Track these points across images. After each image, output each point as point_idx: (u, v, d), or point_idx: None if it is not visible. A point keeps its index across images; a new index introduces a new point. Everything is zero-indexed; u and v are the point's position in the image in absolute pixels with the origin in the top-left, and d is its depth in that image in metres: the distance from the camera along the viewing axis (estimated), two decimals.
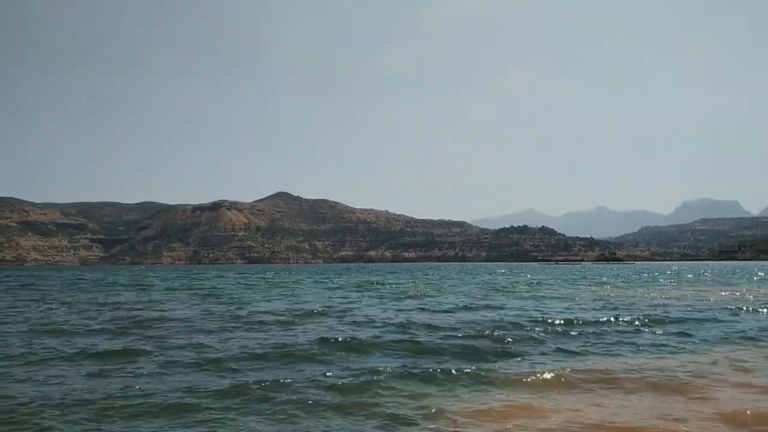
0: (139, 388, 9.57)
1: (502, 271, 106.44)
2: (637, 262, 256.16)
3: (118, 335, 15.87)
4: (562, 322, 17.87)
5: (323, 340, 14.18)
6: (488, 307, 24.16)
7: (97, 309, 24.37)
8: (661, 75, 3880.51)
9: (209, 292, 36.28)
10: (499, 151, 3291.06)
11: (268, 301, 28.89)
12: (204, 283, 54.98)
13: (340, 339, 14.29)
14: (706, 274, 76.78)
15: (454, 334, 15.50)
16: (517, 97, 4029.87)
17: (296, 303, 27.16)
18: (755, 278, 58.35)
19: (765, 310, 21.89)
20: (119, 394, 9.20)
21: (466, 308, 23.43)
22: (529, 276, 71.70)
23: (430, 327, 17.03)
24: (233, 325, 17.88)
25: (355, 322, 18.82)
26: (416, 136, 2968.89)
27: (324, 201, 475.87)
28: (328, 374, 10.60)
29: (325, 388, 9.60)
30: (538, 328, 16.38)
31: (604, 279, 58.91)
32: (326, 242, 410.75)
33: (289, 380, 10.03)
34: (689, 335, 15.51)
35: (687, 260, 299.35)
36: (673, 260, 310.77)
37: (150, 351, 13.06)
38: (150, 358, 12.36)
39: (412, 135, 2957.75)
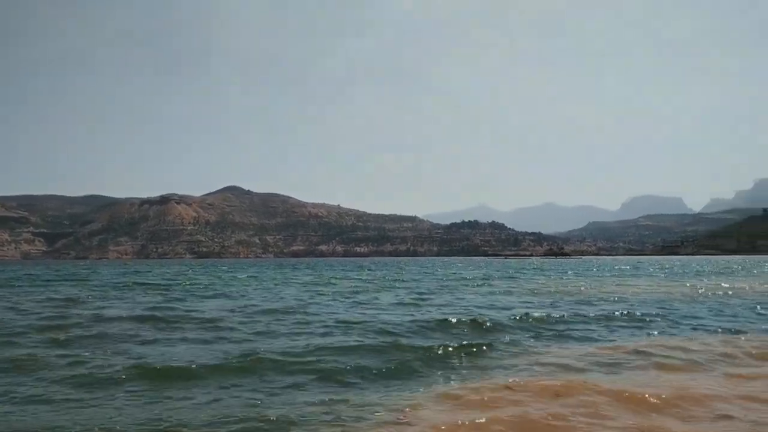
0: None
1: (466, 266, 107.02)
2: (584, 257, 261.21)
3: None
4: (517, 317, 17.69)
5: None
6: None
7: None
8: (608, 72, 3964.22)
9: (154, 288, 35.29)
10: (451, 146, 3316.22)
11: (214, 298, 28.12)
12: (151, 278, 53.65)
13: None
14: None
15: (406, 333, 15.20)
16: (469, 93, 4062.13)
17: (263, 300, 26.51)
18: (691, 273, 60.03)
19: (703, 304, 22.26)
20: None
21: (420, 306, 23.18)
22: (495, 271, 72.26)
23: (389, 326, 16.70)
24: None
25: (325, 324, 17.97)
26: (369, 131, 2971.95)
27: (275, 195, 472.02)
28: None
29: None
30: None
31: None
32: (277, 237, 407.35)
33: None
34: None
35: (632, 255, 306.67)
36: (618, 255, 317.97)
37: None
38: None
39: (364, 130, 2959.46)
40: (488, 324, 15.59)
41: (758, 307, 20.77)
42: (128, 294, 29.43)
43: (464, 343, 12.40)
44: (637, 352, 11.67)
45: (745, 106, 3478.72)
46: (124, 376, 9.36)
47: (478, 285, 37.26)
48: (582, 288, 32.87)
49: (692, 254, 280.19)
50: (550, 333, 14.53)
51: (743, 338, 13.72)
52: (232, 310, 20.17)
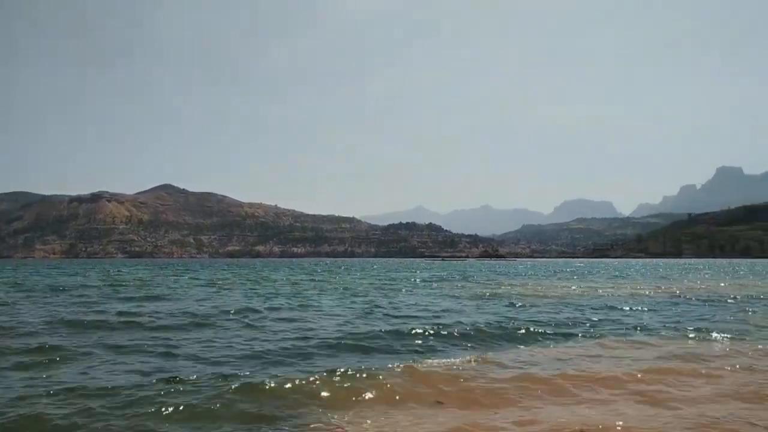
0: None
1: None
2: (518, 259, 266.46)
3: None
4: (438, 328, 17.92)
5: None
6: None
7: None
8: (545, 80, 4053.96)
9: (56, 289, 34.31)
10: (390, 147, 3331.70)
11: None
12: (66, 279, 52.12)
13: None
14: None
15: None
16: (409, 95, 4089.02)
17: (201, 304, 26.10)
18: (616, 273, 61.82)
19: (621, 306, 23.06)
20: None
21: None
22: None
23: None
24: None
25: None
26: (306, 131, 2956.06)
27: (211, 194, 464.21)
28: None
29: None
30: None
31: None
32: (212, 236, 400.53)
33: None
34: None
35: (564, 257, 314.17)
36: (551, 257, 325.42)
37: None
38: None
39: (302, 130, 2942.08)
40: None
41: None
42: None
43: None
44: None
45: (674, 117, 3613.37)
46: None
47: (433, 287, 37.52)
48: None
49: (621, 257, 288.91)
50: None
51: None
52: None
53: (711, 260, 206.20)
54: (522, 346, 12.31)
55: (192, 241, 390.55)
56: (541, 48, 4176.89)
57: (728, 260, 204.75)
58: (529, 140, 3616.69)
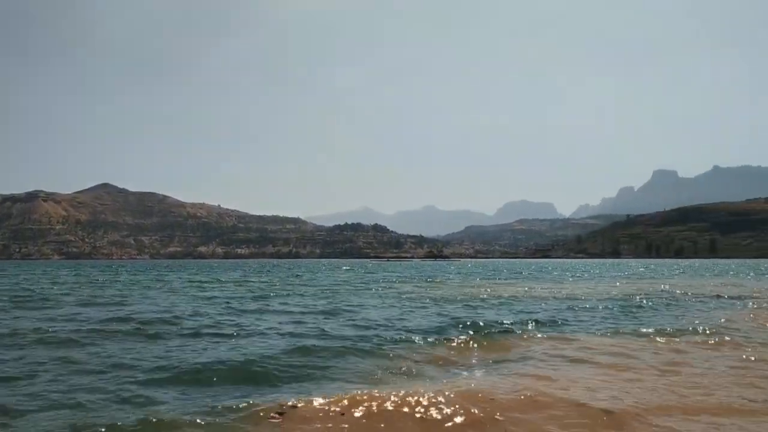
0: None
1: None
2: (461, 259, 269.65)
3: None
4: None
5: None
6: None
7: None
8: (482, 80, 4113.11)
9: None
10: (336, 148, 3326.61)
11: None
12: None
13: None
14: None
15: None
16: (353, 95, 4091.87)
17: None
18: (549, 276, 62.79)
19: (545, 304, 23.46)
20: None
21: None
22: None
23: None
24: None
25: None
26: (251, 130, 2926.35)
27: (152, 194, 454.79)
28: None
29: None
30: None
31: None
32: (153, 237, 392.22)
33: None
34: None
35: (507, 258, 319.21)
36: (495, 258, 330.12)
37: None
38: None
39: (247, 130, 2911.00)
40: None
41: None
42: None
43: None
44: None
45: (612, 122, 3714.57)
46: None
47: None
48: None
49: (562, 257, 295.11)
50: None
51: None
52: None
53: (639, 261, 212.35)
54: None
55: (132, 242, 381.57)
56: (482, 50, 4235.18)
57: (640, 260, 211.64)
58: (473, 142, 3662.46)
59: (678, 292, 30.71)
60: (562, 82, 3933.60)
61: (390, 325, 15.94)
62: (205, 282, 44.49)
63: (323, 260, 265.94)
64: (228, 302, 23.63)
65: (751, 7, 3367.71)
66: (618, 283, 41.02)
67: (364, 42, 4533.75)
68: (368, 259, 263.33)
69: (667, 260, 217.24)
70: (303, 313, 19.46)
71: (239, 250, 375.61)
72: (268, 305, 22.32)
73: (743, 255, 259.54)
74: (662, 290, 32.42)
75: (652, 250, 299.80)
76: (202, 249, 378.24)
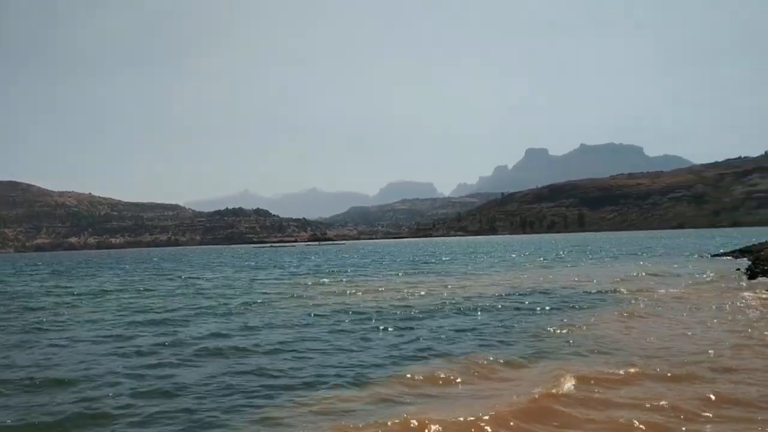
0: None
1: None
2: (347, 242, 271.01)
3: None
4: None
5: None
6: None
7: None
8: (363, 63, 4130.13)
9: None
10: (215, 131, 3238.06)
11: None
12: None
13: None
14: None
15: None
16: (233, 76, 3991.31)
17: None
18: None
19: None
20: None
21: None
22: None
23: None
24: None
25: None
26: (123, 114, 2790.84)
27: (14, 183, 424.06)
28: None
29: None
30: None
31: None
32: (18, 229, 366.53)
33: None
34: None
35: (390, 238, 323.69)
36: (378, 238, 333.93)
37: None
38: None
39: (119, 112, 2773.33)
40: None
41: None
42: None
43: None
44: None
45: (486, 102, 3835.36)
46: None
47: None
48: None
49: (443, 235, 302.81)
50: None
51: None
52: None
53: (510, 237, 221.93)
54: None
55: None
56: (363, 34, 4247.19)
57: (515, 236, 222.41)
58: (355, 124, 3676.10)
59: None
60: (438, 64, 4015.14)
61: None
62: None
63: (209, 247, 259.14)
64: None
65: None
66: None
67: (239, 23, 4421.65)
68: (252, 245, 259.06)
69: (543, 235, 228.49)
70: None
71: (113, 240, 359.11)
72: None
73: (608, 228, 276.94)
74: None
75: (526, 225, 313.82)
76: (73, 240, 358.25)
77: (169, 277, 44.02)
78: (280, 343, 14.00)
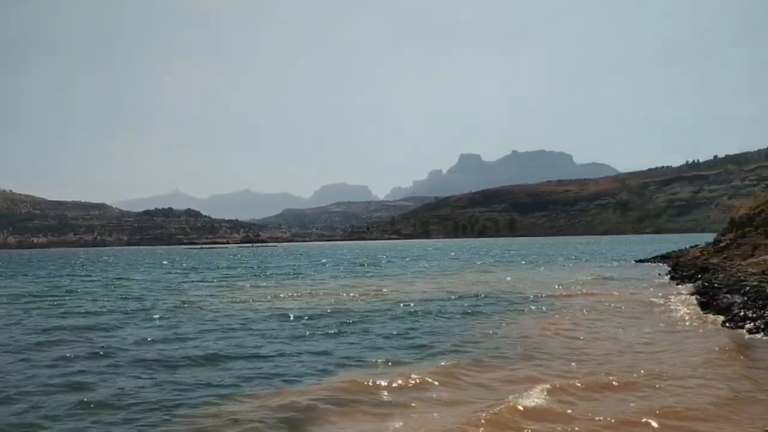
0: None
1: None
2: (280, 244, 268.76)
3: None
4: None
5: None
6: None
7: None
8: (300, 63, 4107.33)
9: None
10: (143, 130, 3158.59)
11: None
12: None
13: None
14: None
15: None
16: (162, 75, 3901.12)
17: None
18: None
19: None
20: None
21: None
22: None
23: None
24: None
25: None
26: (47, 109, 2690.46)
27: None
28: None
29: None
30: None
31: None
32: None
33: None
34: None
35: (324, 240, 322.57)
36: (312, 241, 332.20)
37: None
38: None
39: (42, 108, 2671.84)
40: None
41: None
42: None
43: None
44: None
45: (422, 107, 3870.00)
46: None
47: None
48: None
49: (377, 239, 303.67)
50: None
51: None
52: None
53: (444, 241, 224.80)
54: None
55: None
56: (303, 29, 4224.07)
57: (447, 240, 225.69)
58: (290, 125, 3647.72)
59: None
60: (374, 67, 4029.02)
61: None
62: None
63: (131, 247, 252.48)
64: None
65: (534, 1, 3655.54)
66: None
67: (174, 19, 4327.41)
68: (182, 246, 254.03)
69: (476, 239, 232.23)
70: None
71: (35, 239, 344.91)
72: None
73: (538, 233, 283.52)
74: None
75: (459, 230, 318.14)
76: None
77: (93, 278, 42.56)
78: (205, 349, 13.62)
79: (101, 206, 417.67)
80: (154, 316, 19.35)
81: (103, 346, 14.04)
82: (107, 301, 25.11)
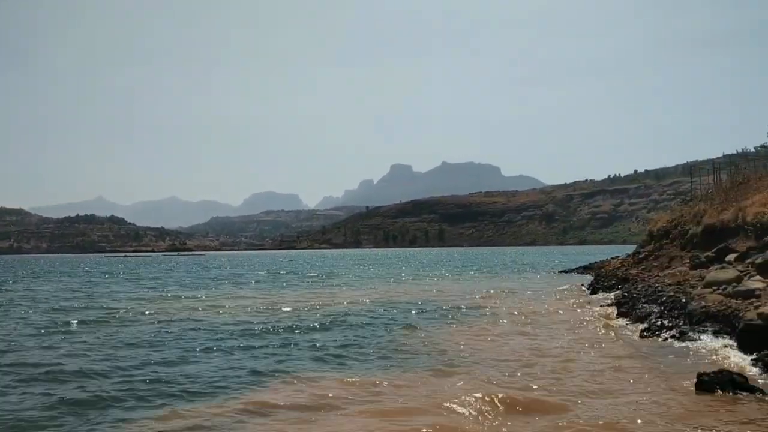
0: None
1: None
2: (207, 252, 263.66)
3: None
4: None
5: None
6: None
7: None
8: (231, 69, 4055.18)
9: None
10: (66, 133, 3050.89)
11: None
12: None
13: None
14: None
15: None
16: (82, 77, 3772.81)
17: None
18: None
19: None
20: None
21: None
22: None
23: None
24: None
25: None
26: None
27: None
28: None
29: None
30: None
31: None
32: None
33: None
34: None
35: (253, 250, 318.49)
36: (240, 250, 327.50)
37: None
38: None
39: None
40: None
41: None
42: None
43: None
44: None
45: (353, 116, 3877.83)
46: None
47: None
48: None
49: (307, 248, 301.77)
50: None
51: None
52: None
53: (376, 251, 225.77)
54: None
55: None
56: (234, 37, 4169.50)
57: (378, 249, 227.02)
58: (219, 131, 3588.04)
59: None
60: (305, 75, 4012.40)
61: None
62: None
63: (59, 255, 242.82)
64: None
65: (468, 7, 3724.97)
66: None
67: (90, 19, 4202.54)
68: (104, 254, 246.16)
69: (407, 249, 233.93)
70: None
71: None
72: None
73: (467, 243, 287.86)
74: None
75: (389, 239, 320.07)
76: None
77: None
78: (120, 365, 12.72)
79: (18, 212, 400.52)
80: (62, 332, 18.01)
81: None
82: (17, 311, 23.90)
